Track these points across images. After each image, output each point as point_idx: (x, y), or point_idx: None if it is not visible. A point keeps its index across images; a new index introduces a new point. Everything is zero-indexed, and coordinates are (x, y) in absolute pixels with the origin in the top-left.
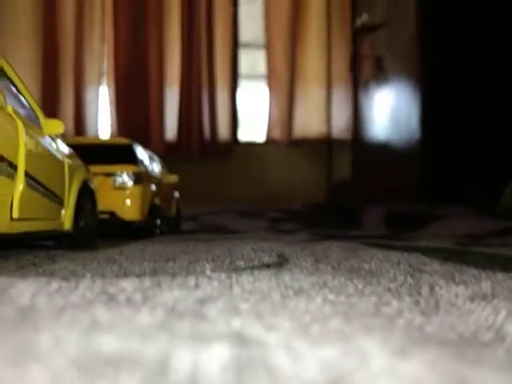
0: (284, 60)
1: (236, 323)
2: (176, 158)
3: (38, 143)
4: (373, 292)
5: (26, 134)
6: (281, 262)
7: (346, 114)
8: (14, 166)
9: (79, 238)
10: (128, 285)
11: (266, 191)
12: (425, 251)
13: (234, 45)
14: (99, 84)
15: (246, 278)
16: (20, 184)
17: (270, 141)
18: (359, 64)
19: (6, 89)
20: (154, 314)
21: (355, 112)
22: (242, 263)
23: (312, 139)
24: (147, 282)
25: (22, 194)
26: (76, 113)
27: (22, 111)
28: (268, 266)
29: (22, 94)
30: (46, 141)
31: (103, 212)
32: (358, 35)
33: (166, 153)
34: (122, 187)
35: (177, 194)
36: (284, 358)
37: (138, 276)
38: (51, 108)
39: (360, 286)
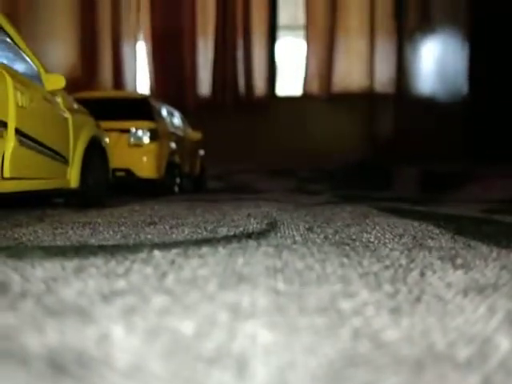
0: (324, 8)
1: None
2: (211, 113)
3: (33, 99)
4: (343, 277)
5: (18, 89)
6: (266, 231)
7: (389, 67)
8: (3, 124)
9: (87, 196)
10: (41, 273)
11: (303, 148)
12: (441, 220)
13: None
14: (136, 40)
15: (193, 262)
16: (11, 142)
17: (307, 95)
18: (404, 13)
19: (4, 43)
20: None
21: (399, 65)
22: (223, 230)
23: (353, 93)
24: (71, 264)
25: (14, 152)
26: (114, 68)
27: (21, 67)
28: (249, 236)
29: (21, 49)
30: (47, 96)
31: (119, 169)
32: None
33: (200, 108)
34: (138, 144)
35: (201, 152)
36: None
37: (99, 246)
38: (90, 63)
39: (330, 269)
